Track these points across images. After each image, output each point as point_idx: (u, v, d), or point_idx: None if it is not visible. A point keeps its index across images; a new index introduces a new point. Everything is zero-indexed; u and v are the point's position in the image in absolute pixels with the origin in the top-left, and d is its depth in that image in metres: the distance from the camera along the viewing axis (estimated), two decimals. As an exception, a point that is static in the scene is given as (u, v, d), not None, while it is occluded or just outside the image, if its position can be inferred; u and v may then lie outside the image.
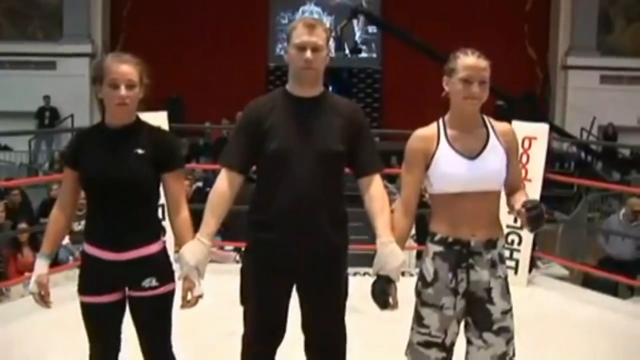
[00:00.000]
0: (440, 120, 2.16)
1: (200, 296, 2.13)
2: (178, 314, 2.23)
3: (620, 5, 13.67)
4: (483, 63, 2.08)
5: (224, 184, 2.18)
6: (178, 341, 2.28)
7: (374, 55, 14.55)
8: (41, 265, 2.18)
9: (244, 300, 2.28)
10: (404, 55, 11.94)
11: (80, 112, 12.21)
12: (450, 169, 2.09)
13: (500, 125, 2.18)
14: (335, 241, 2.22)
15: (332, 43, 2.20)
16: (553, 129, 9.55)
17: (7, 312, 3.82)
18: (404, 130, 2.57)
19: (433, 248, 2.14)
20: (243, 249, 2.36)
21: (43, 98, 12.67)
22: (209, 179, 8.71)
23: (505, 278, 2.16)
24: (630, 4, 13.60)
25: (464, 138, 2.11)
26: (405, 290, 2.19)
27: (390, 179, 9.33)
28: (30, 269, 2.24)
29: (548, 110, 13.39)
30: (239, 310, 2.31)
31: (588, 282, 5.59)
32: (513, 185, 2.21)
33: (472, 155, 2.10)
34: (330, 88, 2.72)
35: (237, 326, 2.35)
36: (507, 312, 2.13)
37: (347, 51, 12.81)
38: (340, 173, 2.26)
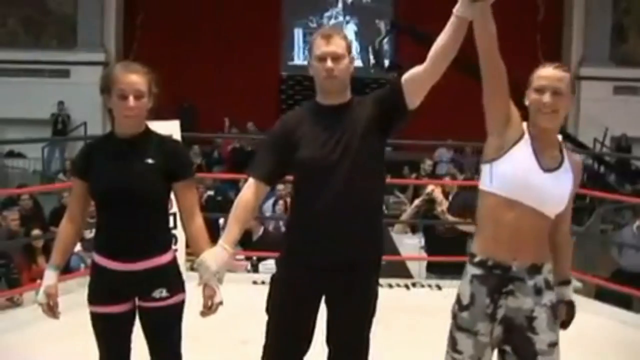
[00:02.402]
0: (525, 124, 2.04)
1: (220, 303, 2.12)
2: (188, 323, 2.23)
3: (634, 15, 13.61)
4: (560, 74, 1.98)
5: (249, 193, 2.17)
6: (188, 351, 2.28)
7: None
8: (50, 276, 2.17)
9: (269, 309, 2.27)
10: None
11: (93, 120, 12.30)
12: (520, 168, 1.96)
13: (573, 156, 2.08)
14: (369, 253, 2.21)
15: (355, 51, 2.21)
16: (567, 138, 9.50)
17: (20, 318, 3.83)
18: (417, 141, 2.57)
19: (472, 270, 2.03)
20: (277, 257, 2.36)
21: (57, 104, 12.76)
22: (221, 188, 8.74)
23: (553, 307, 2.03)
24: (644, 14, 13.54)
25: (541, 150, 1.99)
26: (417, 300, 2.17)
27: (402, 189, 9.33)
28: (43, 276, 2.25)
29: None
30: (250, 319, 2.30)
31: (601, 294, 5.53)
32: (561, 225, 2.08)
33: (547, 167, 1.98)
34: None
35: (248, 335, 2.35)
36: (554, 345, 2.02)
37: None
38: (378, 177, 2.22)
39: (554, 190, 1.97)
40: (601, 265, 6.92)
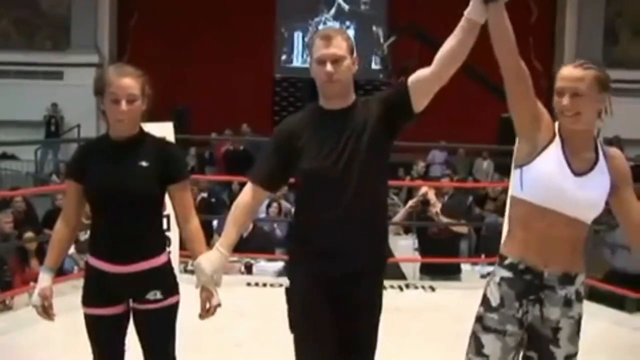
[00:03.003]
0: (557, 125, 1.94)
1: (218, 305, 2.11)
2: (182, 325, 2.23)
3: (626, 17, 13.68)
4: (579, 73, 1.86)
5: (247, 197, 2.13)
6: (182, 353, 2.28)
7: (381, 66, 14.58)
8: (44, 278, 2.17)
9: (292, 325, 2.16)
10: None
11: (86, 122, 12.24)
12: (551, 173, 1.87)
13: (610, 151, 1.97)
14: (375, 261, 2.18)
15: (354, 52, 2.09)
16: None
17: (12, 321, 3.82)
18: (410, 143, 2.57)
19: (501, 272, 1.94)
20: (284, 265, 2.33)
21: (51, 106, 12.72)
22: (214, 190, 8.73)
23: (579, 319, 1.97)
24: (636, 16, 13.60)
25: (572, 153, 1.89)
26: (410, 302, 2.18)
27: (396, 192, 9.33)
28: (36, 279, 2.24)
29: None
30: (245, 322, 2.30)
31: (594, 295, 5.55)
32: (635, 217, 1.94)
33: (578, 171, 1.88)
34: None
35: (242, 338, 2.35)
36: (573, 357, 1.97)
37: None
38: (384, 181, 2.19)
39: (586, 194, 1.87)
40: (594, 266, 6.94)
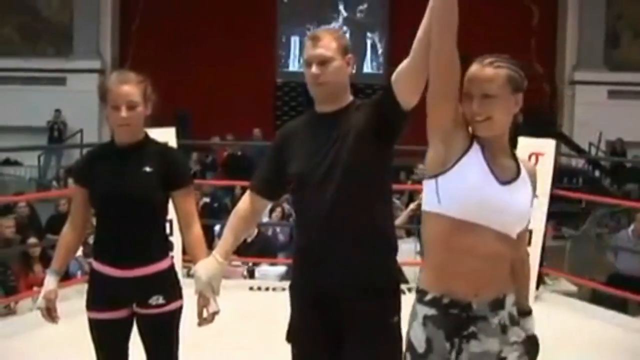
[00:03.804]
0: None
1: (216, 312, 2.10)
2: (184, 330, 2.24)
3: (627, 19, 13.68)
4: (490, 72, 1.63)
5: (245, 205, 2.09)
6: (185, 357, 2.28)
7: (380, 71, 14.61)
8: (50, 281, 2.19)
9: (288, 336, 2.05)
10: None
11: (89, 127, 12.29)
12: (475, 182, 1.62)
13: (527, 163, 1.79)
14: (364, 275, 1.92)
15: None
16: (563, 139, 9.46)
17: (16, 326, 3.83)
18: (407, 147, 2.56)
19: (423, 310, 1.67)
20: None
21: (54, 112, 12.76)
22: (217, 195, 8.74)
23: (523, 342, 1.72)
24: (637, 19, 13.61)
25: (494, 160, 1.66)
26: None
27: (398, 195, 9.33)
28: (41, 284, 2.26)
29: (555, 125, 13.37)
30: (246, 326, 2.30)
31: (597, 298, 5.55)
32: (517, 246, 1.72)
33: (503, 180, 1.65)
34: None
35: (244, 342, 2.35)
36: None
37: None
38: (376, 191, 1.95)
39: (514, 205, 1.64)
40: (597, 269, 6.94)
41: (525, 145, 4.64)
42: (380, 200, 1.98)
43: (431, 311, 1.67)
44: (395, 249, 2.03)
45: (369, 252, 1.93)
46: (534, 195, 1.74)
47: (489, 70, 1.64)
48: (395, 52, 12.96)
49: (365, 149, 1.91)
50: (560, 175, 9.96)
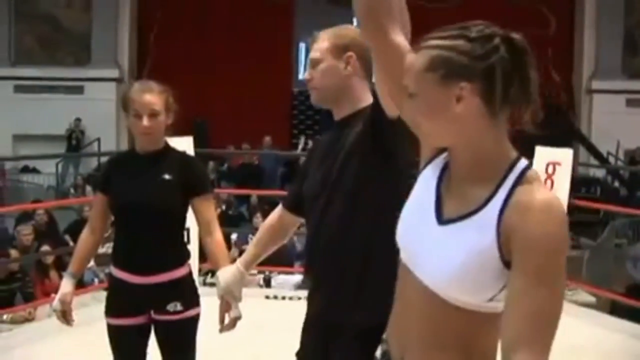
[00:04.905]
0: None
1: (237, 318, 2.07)
2: (200, 338, 2.24)
3: (646, 28, 13.58)
4: (410, 59, 1.14)
5: (272, 218, 2.02)
6: (202, 365, 2.29)
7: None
8: (66, 284, 2.22)
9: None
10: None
11: (106, 135, 12.41)
12: (409, 213, 1.19)
13: (531, 194, 1.06)
14: (341, 304, 1.68)
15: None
16: (587, 144, 9.31)
17: (35, 332, 3.87)
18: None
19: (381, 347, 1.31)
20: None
21: (74, 120, 12.91)
22: (233, 203, 8.79)
23: None
24: (656, 27, 13.51)
25: (453, 184, 1.16)
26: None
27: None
28: (57, 291, 2.28)
29: (579, 130, 13.25)
30: (263, 334, 2.30)
31: (616, 309, 5.48)
32: (507, 334, 1.03)
33: (447, 216, 1.13)
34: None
35: (260, 350, 2.35)
36: None
37: None
38: (367, 211, 1.65)
39: (438, 256, 1.11)
40: (616, 279, 6.86)
41: (543, 155, 4.61)
42: (372, 218, 1.64)
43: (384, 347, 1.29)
44: (377, 280, 1.59)
45: (353, 279, 1.66)
46: (522, 261, 1.03)
47: (411, 57, 1.14)
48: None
49: (356, 163, 1.66)
50: (578, 185, 9.88)
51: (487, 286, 1.06)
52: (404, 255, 1.19)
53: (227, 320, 2.07)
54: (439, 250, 1.10)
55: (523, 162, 1.11)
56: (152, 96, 2.13)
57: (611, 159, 12.56)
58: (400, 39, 1.26)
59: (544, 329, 1.02)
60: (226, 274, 2.03)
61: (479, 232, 1.07)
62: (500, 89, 1.06)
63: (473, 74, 1.06)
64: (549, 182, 4.45)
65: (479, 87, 1.06)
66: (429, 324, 1.14)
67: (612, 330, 4.23)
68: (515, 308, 1.02)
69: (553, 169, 4.51)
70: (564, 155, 4.61)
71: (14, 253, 5.79)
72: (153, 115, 2.13)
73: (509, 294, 1.04)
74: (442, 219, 1.13)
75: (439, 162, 1.18)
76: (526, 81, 1.08)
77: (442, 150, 1.18)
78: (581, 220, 8.64)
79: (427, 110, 1.10)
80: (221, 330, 2.09)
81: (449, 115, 1.08)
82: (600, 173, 12.30)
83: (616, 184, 12.49)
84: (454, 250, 1.09)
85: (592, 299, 5.68)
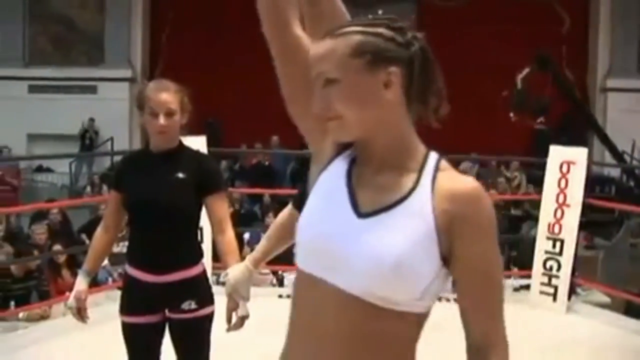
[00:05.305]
0: None
1: (245, 317, 2.09)
2: (212, 337, 2.25)
3: (661, 26, 13.45)
4: (326, 45, 1.09)
5: (282, 216, 2.08)
6: (215, 363, 2.30)
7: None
8: (81, 281, 2.23)
9: None
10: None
11: (119, 135, 12.49)
12: (316, 212, 1.10)
13: (458, 182, 1.06)
14: None
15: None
16: (607, 144, 9.23)
17: (50, 330, 3.89)
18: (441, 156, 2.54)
19: None
20: None
21: (88, 120, 12.99)
22: (246, 202, 8.81)
23: None
24: (671, 25, 13.37)
25: (365, 176, 1.09)
26: (434, 316, 1.80)
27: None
28: (71, 289, 2.29)
29: (588, 132, 13.17)
30: (275, 333, 2.30)
31: (631, 310, 5.43)
32: (471, 326, 1.07)
33: (365, 209, 1.06)
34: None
35: (272, 349, 2.34)
36: None
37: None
38: None
39: (366, 245, 1.02)
40: (631, 279, 6.80)
41: (557, 153, 4.58)
42: None
43: None
44: None
45: None
46: (451, 247, 1.03)
47: (327, 42, 1.08)
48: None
49: None
50: (593, 184, 9.80)
51: (423, 275, 1.03)
52: (315, 267, 1.07)
53: (234, 319, 2.07)
54: (368, 244, 1.02)
55: (433, 152, 1.12)
56: (168, 95, 2.14)
57: (626, 158, 12.45)
58: (300, 30, 1.23)
59: (502, 309, 1.09)
60: (235, 272, 2.05)
61: (411, 219, 1.03)
62: (417, 78, 1.07)
63: (400, 60, 1.06)
64: (563, 181, 4.41)
65: (403, 74, 1.06)
66: (343, 338, 1.03)
67: (626, 331, 4.19)
68: (478, 293, 1.06)
69: (567, 167, 4.47)
70: (579, 154, 4.57)
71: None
72: (169, 114, 2.14)
73: (465, 277, 1.05)
74: (360, 212, 1.06)
75: (343, 159, 1.12)
76: (435, 75, 1.09)
77: (345, 147, 1.12)
78: (596, 220, 8.58)
79: (353, 96, 1.06)
80: (228, 330, 2.09)
81: (376, 101, 1.06)
82: (615, 172, 12.20)
83: (631, 183, 12.38)
84: (387, 240, 1.02)
85: (606, 299, 5.63)
